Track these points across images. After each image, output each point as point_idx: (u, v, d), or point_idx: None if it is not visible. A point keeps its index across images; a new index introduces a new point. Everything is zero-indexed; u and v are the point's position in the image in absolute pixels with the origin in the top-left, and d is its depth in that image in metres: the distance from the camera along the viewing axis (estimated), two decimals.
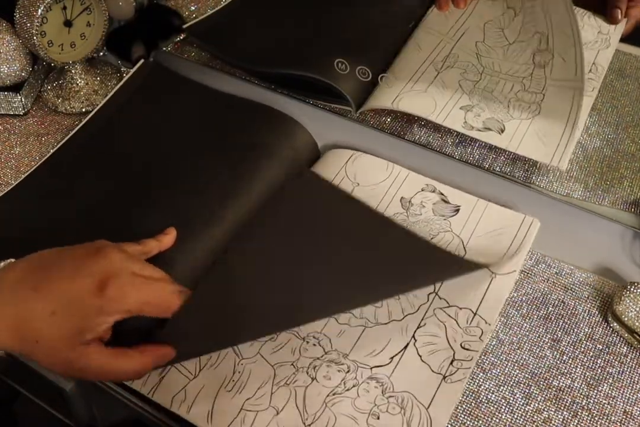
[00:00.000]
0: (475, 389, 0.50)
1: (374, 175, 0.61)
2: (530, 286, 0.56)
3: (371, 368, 0.48)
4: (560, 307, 0.55)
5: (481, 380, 0.50)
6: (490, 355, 0.51)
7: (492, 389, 0.50)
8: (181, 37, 0.75)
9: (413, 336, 0.50)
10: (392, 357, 0.49)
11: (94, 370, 0.42)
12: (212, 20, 0.74)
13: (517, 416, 0.48)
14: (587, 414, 0.49)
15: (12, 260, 0.44)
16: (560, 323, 0.54)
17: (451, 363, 0.48)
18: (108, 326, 0.42)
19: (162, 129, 0.63)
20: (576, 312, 0.55)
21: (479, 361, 0.51)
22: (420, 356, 0.49)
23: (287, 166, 0.61)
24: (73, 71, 0.70)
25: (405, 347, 0.49)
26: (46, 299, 0.40)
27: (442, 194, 0.59)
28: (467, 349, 0.49)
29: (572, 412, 0.49)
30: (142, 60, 0.70)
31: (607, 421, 0.48)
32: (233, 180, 0.58)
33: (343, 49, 0.67)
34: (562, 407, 0.49)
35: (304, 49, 0.69)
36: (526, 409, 0.49)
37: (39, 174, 0.61)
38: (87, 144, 0.63)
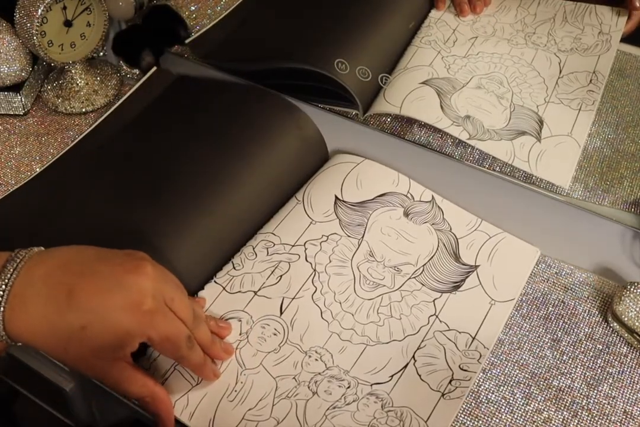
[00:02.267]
0: (475, 389, 0.50)
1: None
2: (530, 286, 0.56)
3: (371, 385, 0.48)
4: (560, 307, 0.55)
5: (481, 380, 0.50)
6: (490, 355, 0.51)
7: (492, 389, 0.50)
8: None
9: (413, 357, 0.50)
10: (391, 376, 0.49)
11: (114, 381, 0.42)
12: (212, 32, 0.74)
13: (517, 416, 0.48)
14: (587, 414, 0.49)
15: (42, 248, 0.43)
16: (560, 323, 0.54)
17: (450, 382, 0.49)
18: (134, 345, 0.42)
19: (171, 128, 0.64)
20: (576, 312, 0.55)
21: None
22: (420, 375, 0.49)
23: (294, 152, 0.61)
24: (73, 71, 0.70)
25: (405, 366, 0.50)
26: (78, 311, 0.40)
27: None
28: (466, 371, 0.49)
29: (572, 412, 0.49)
30: (154, 68, 0.70)
31: (607, 421, 0.48)
32: (236, 169, 0.58)
33: (343, 49, 0.67)
34: (562, 407, 0.49)
35: (304, 49, 0.69)
36: (526, 409, 0.49)
37: (48, 173, 0.61)
38: (96, 148, 0.63)
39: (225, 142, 0.61)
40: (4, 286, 0.39)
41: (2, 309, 0.39)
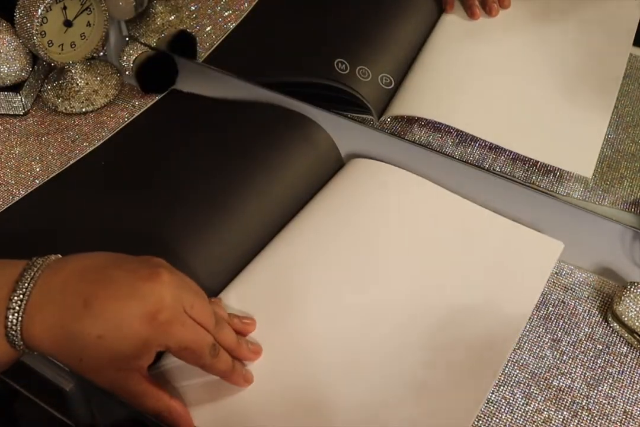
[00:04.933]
0: None
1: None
2: None
3: None
4: (560, 307, 0.55)
5: None
6: None
7: (492, 389, 0.50)
8: None
9: None
10: None
11: (130, 394, 0.42)
12: (223, 47, 0.75)
13: (517, 416, 0.48)
14: (587, 414, 0.49)
15: (59, 256, 0.42)
16: (560, 323, 0.54)
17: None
18: (151, 356, 0.41)
19: (183, 142, 0.65)
20: (576, 312, 0.55)
21: None
22: None
23: (308, 169, 0.63)
24: (73, 71, 0.70)
25: None
26: (94, 320, 0.39)
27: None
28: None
29: (572, 412, 0.49)
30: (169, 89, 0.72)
31: (607, 421, 0.48)
32: (249, 185, 0.59)
33: (343, 49, 0.67)
34: (562, 407, 0.49)
35: (304, 50, 0.69)
36: (526, 409, 0.49)
37: (64, 177, 0.62)
38: (113, 156, 0.64)
39: (240, 154, 0.62)
40: (21, 295, 0.39)
41: (20, 318, 0.39)
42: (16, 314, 0.39)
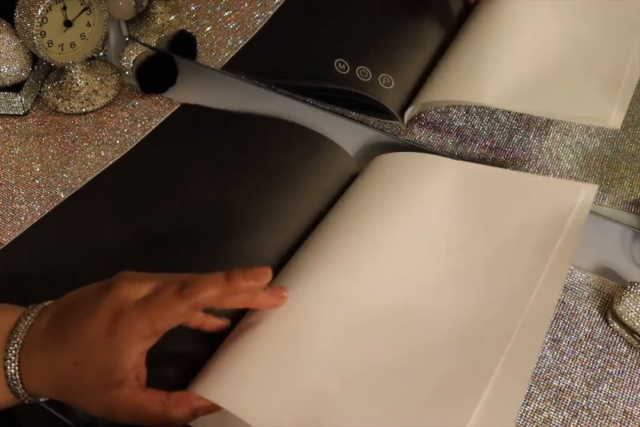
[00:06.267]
0: None
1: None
2: None
3: None
4: (560, 307, 0.55)
5: None
6: None
7: None
8: None
9: None
10: None
11: (128, 410, 0.39)
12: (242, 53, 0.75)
13: (517, 416, 0.48)
14: (587, 414, 0.49)
15: (49, 302, 0.42)
16: (560, 323, 0.54)
17: None
18: (136, 361, 0.39)
19: (196, 161, 0.65)
20: (576, 312, 0.55)
21: None
22: None
23: (326, 190, 0.62)
24: (73, 71, 0.70)
25: None
26: (68, 349, 0.39)
27: None
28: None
29: (572, 412, 0.49)
30: (179, 104, 0.72)
31: (607, 421, 0.48)
32: (267, 203, 0.59)
33: (343, 49, 0.67)
34: (562, 407, 0.49)
35: (305, 50, 0.69)
36: (526, 409, 0.49)
37: (70, 203, 0.61)
38: (127, 174, 0.64)
39: (258, 171, 0.62)
40: (15, 345, 0.40)
41: (17, 368, 0.39)
42: (13, 364, 0.39)
